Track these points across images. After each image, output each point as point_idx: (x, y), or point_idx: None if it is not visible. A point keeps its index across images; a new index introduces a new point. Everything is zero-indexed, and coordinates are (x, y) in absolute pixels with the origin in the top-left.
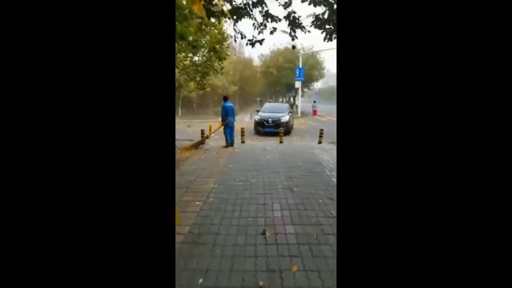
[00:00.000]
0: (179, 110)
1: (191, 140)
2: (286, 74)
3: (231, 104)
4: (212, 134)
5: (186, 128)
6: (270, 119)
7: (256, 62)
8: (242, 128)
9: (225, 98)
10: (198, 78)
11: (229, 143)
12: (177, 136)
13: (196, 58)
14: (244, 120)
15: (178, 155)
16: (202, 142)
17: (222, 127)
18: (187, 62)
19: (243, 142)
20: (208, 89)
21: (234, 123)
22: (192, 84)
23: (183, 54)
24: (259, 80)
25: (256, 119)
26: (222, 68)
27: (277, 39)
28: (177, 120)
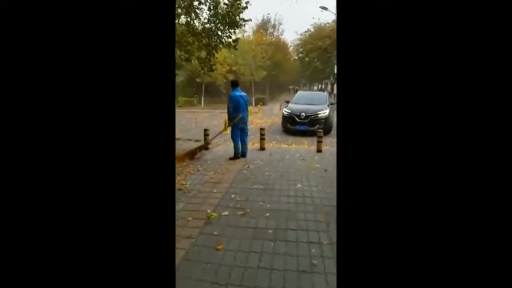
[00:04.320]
0: (202, 99)
1: (197, 141)
2: (324, 58)
3: (244, 93)
4: (228, 131)
5: (201, 122)
6: (303, 114)
7: (290, 42)
8: (262, 129)
9: (234, 84)
10: (203, 55)
11: (239, 153)
12: (181, 135)
13: (197, 23)
14: (273, 112)
15: None
16: (204, 147)
17: (229, 128)
18: (182, 28)
19: (262, 148)
20: (218, 75)
21: (248, 121)
22: (194, 64)
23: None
24: (293, 65)
25: (285, 112)
26: (235, 41)
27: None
28: (198, 111)
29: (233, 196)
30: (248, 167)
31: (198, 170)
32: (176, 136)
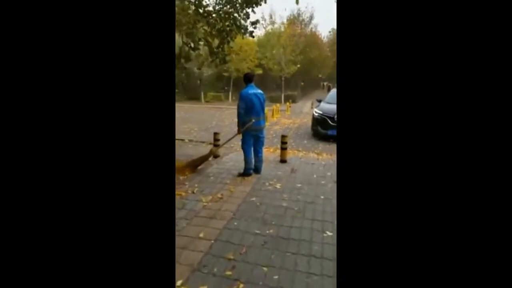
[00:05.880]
0: (230, 94)
1: (210, 144)
2: None
3: (259, 91)
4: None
5: (224, 120)
6: (337, 116)
7: (326, 38)
8: (284, 137)
9: (248, 79)
10: (215, 44)
11: (251, 168)
12: (198, 135)
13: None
14: (303, 111)
15: None
16: (212, 154)
17: (240, 134)
18: (184, 4)
19: (283, 161)
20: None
21: (264, 127)
22: (203, 55)
23: None
24: (328, 60)
25: (316, 114)
26: (254, 24)
27: None
28: (224, 106)
29: (225, 248)
30: (260, 189)
31: (193, 192)
32: (190, 137)
